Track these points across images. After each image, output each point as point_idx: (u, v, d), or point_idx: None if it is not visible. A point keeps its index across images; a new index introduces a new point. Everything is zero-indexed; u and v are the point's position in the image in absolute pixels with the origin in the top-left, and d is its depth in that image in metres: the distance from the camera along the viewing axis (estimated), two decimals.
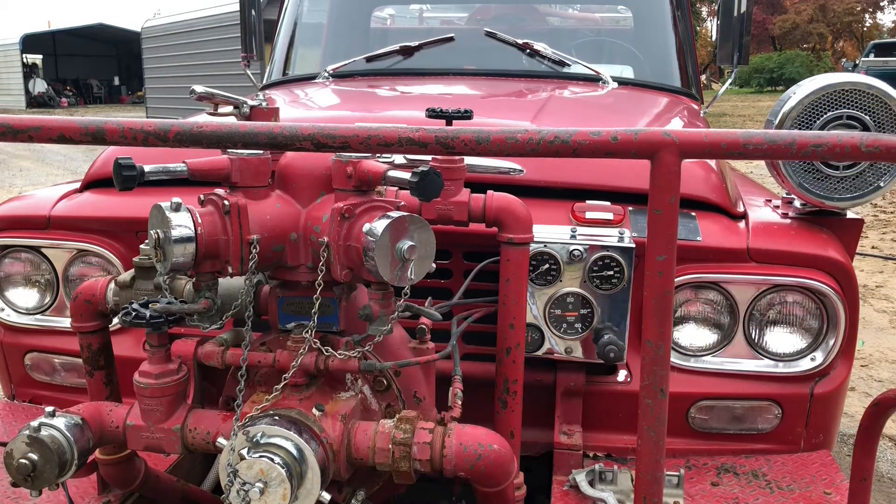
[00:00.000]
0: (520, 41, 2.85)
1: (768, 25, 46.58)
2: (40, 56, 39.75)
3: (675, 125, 2.35)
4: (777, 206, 1.96)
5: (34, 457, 1.24)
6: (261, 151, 1.29)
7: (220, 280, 1.37)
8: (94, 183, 2.03)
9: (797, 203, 1.88)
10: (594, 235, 1.63)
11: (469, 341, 1.78)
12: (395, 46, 2.92)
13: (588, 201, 1.72)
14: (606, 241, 1.61)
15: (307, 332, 1.28)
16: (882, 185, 1.72)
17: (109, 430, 1.35)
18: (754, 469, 1.67)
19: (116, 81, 41.06)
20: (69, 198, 2.00)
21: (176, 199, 1.19)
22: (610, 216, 1.68)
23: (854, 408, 3.80)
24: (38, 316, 1.99)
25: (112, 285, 1.50)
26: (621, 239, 1.62)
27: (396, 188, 1.54)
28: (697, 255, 1.69)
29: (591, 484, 1.58)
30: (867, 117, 1.68)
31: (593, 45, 3.33)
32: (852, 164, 1.72)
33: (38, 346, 1.99)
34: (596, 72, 2.79)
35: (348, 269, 1.25)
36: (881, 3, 50.25)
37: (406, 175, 1.21)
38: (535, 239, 1.56)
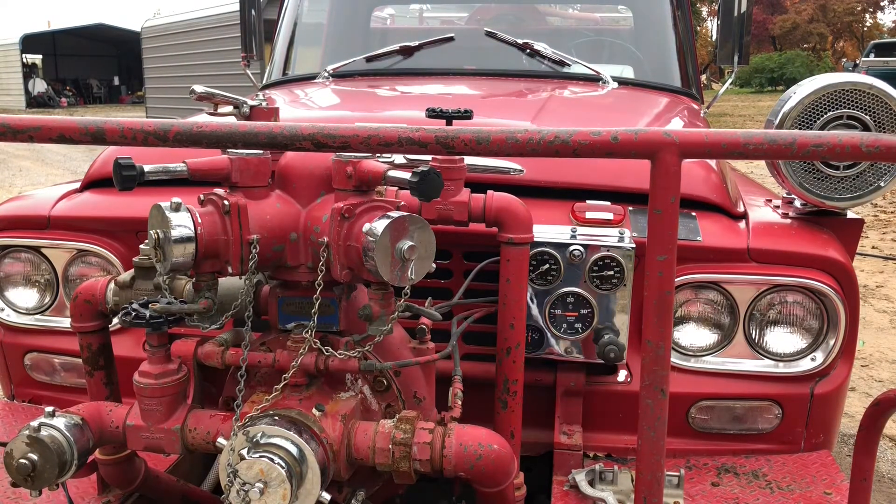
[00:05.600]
0: (520, 41, 2.84)
1: (768, 25, 46.60)
2: (40, 56, 39.74)
3: (676, 125, 2.35)
4: (777, 206, 1.96)
5: (34, 457, 1.23)
6: (261, 151, 1.29)
7: (220, 280, 1.36)
8: (93, 183, 2.03)
9: (797, 203, 1.88)
10: (594, 235, 1.63)
11: (469, 341, 1.78)
12: (395, 46, 2.92)
13: (588, 201, 1.72)
14: (606, 241, 1.61)
15: (307, 332, 1.28)
16: (882, 185, 1.72)
17: (109, 430, 1.35)
18: (754, 469, 1.67)
19: (116, 81, 41.05)
20: (69, 198, 2.00)
21: (176, 199, 1.19)
22: (610, 216, 1.68)
23: (854, 408, 3.80)
24: (37, 316, 1.98)
25: (112, 285, 1.50)
26: (621, 239, 1.62)
27: (396, 188, 1.54)
28: (697, 255, 1.69)
29: (591, 484, 1.58)
30: (867, 117, 1.68)
31: (593, 45, 3.33)
32: (852, 164, 1.71)
33: (38, 346, 1.99)
34: (596, 72, 2.79)
35: (348, 269, 1.25)
36: (881, 3, 50.28)
37: (406, 175, 1.21)
38: (535, 239, 1.56)
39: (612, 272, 1.61)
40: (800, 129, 1.71)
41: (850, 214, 1.85)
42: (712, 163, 1.90)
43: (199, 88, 1.50)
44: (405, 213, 1.21)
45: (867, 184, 1.72)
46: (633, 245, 1.61)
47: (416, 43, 2.92)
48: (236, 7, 3.52)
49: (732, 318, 1.73)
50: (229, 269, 1.25)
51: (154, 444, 1.34)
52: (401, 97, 2.60)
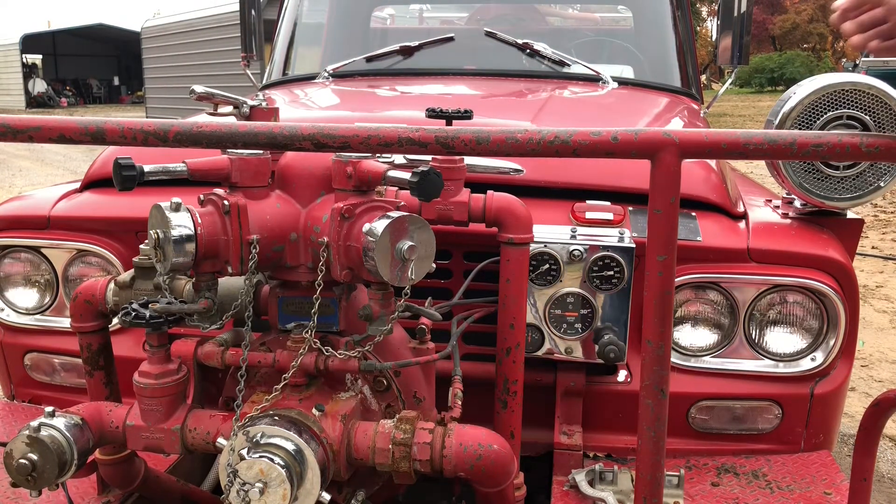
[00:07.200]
0: (520, 41, 2.84)
1: (768, 25, 46.58)
2: (40, 56, 39.77)
3: (676, 125, 2.35)
4: (777, 206, 1.96)
5: (34, 457, 1.23)
6: (261, 151, 1.29)
7: (220, 280, 1.36)
8: (93, 183, 2.03)
9: (797, 203, 1.88)
10: (594, 235, 1.63)
11: (469, 341, 1.78)
12: (395, 46, 2.92)
13: (588, 201, 1.72)
14: (606, 241, 1.61)
15: (307, 332, 1.28)
16: (882, 185, 1.72)
17: (109, 430, 1.35)
18: (754, 469, 1.67)
19: (116, 81, 41.08)
20: (69, 198, 2.00)
21: (176, 199, 1.19)
22: (610, 216, 1.68)
23: (854, 408, 3.80)
24: (37, 316, 1.98)
25: (112, 285, 1.50)
26: (621, 239, 1.62)
27: (396, 188, 1.54)
28: (697, 255, 1.69)
29: (591, 484, 1.58)
30: (867, 117, 1.68)
31: (593, 45, 3.33)
32: (852, 164, 1.71)
33: (38, 346, 1.99)
34: (596, 72, 2.79)
35: (348, 269, 1.25)
36: None
37: (406, 175, 1.21)
38: (535, 239, 1.56)
39: (612, 272, 1.61)
40: (800, 129, 1.71)
41: (850, 214, 1.85)
42: (712, 163, 1.90)
43: (199, 88, 1.50)
44: (405, 213, 1.21)
45: (867, 184, 1.72)
46: (633, 245, 1.61)
47: (416, 43, 2.92)
48: (236, 7, 3.52)
49: (732, 318, 1.73)
50: (229, 269, 1.25)
51: (154, 444, 1.34)
52: (401, 97, 2.60)
